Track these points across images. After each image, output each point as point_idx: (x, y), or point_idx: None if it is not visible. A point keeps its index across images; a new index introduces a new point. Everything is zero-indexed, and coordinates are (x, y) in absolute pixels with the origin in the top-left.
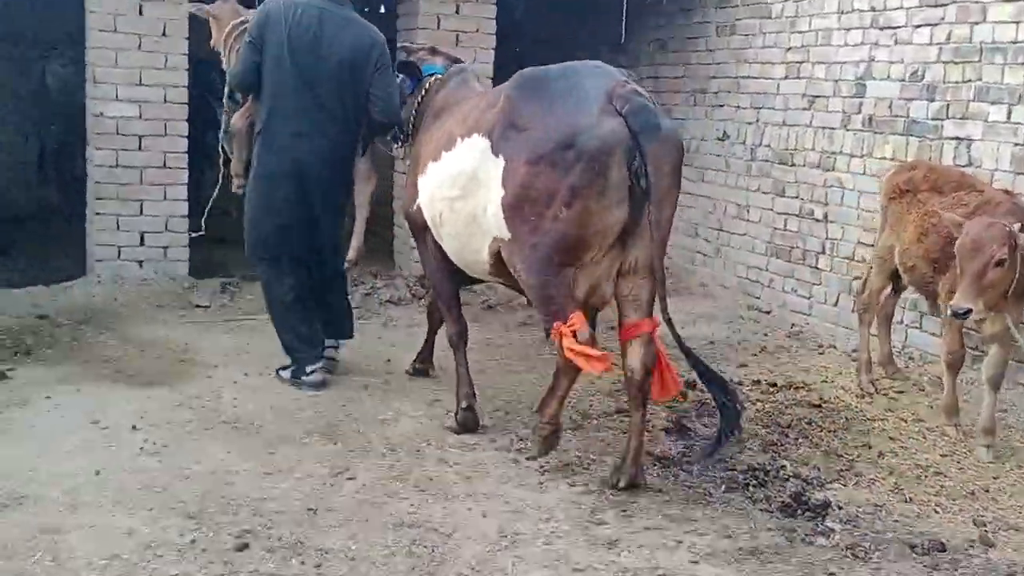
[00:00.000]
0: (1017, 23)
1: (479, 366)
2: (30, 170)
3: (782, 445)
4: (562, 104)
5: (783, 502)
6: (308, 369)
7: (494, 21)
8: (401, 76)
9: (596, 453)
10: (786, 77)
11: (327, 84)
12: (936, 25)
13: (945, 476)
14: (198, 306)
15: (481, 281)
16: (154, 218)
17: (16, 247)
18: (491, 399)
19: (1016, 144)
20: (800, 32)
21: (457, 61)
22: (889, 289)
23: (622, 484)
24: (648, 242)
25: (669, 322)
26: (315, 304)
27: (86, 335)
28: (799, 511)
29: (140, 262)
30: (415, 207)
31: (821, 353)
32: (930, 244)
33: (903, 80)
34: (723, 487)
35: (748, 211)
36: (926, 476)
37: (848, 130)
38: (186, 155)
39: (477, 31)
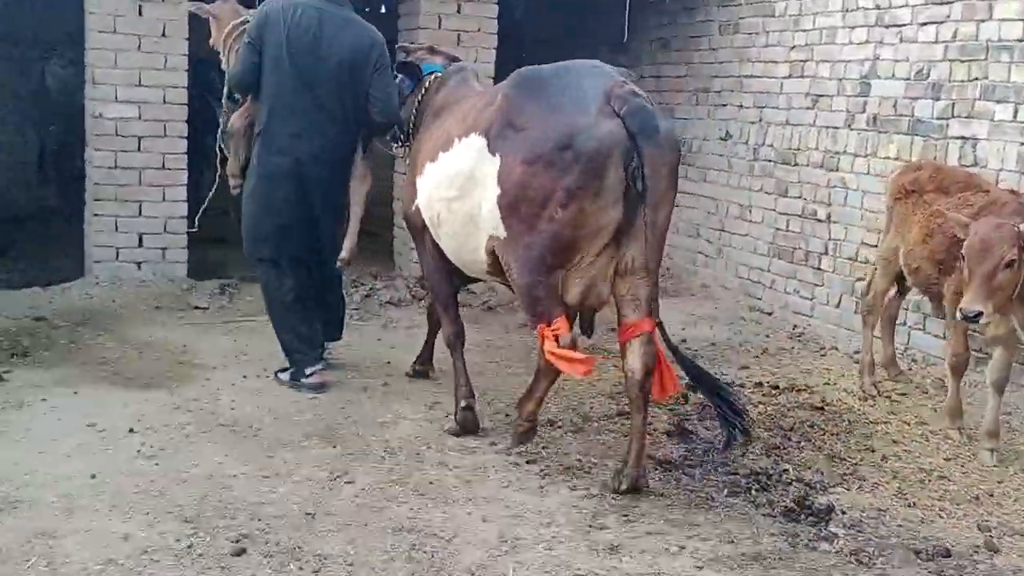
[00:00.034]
0: None
1: (479, 368)
2: (30, 170)
3: (784, 448)
4: (560, 104)
5: (786, 507)
6: (307, 371)
7: (495, 21)
8: (400, 76)
9: (597, 456)
10: (789, 76)
11: (327, 85)
12: (942, 23)
13: (949, 480)
14: (196, 307)
15: (480, 280)
16: (153, 219)
17: (15, 248)
18: (491, 402)
19: (1023, 144)
20: (804, 31)
21: (456, 60)
22: (894, 291)
23: (624, 487)
24: (644, 241)
25: (659, 325)
26: (315, 305)
27: (83, 337)
28: (802, 516)
29: (138, 263)
30: (413, 208)
31: (823, 355)
32: (935, 245)
33: (908, 79)
34: (725, 491)
35: (750, 211)
36: (930, 480)
37: (852, 129)
38: (185, 156)
39: (479, 31)
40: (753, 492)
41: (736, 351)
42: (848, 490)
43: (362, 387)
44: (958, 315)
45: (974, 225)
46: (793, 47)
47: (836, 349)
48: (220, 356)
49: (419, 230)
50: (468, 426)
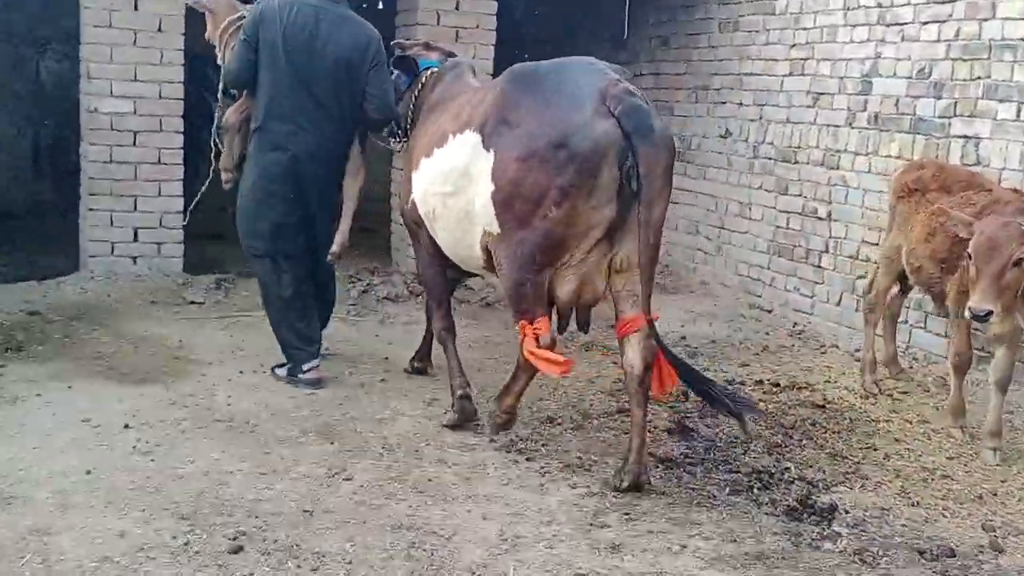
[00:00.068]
0: None
1: (477, 364)
2: (25, 165)
3: (786, 447)
4: (555, 102)
5: (789, 505)
6: (305, 367)
7: (494, 17)
8: (396, 72)
9: (598, 454)
10: (790, 74)
11: (323, 82)
12: (944, 22)
13: (952, 479)
14: (192, 302)
15: (478, 275)
16: (148, 214)
17: (10, 242)
18: (490, 398)
19: None
20: (805, 29)
21: (452, 55)
22: (896, 289)
23: (625, 485)
24: (638, 239)
25: (650, 324)
26: (312, 301)
27: (78, 331)
28: (805, 515)
29: (134, 258)
30: (409, 203)
31: (823, 353)
32: (937, 244)
33: (910, 77)
34: (727, 490)
35: (750, 209)
36: (933, 479)
37: (853, 128)
38: (181, 151)
39: (477, 27)
40: (755, 491)
41: (736, 348)
42: (851, 489)
43: (360, 383)
44: (967, 314)
45: (980, 224)
46: (794, 45)
47: (836, 347)
48: (216, 351)
49: (415, 225)
50: (467, 415)
